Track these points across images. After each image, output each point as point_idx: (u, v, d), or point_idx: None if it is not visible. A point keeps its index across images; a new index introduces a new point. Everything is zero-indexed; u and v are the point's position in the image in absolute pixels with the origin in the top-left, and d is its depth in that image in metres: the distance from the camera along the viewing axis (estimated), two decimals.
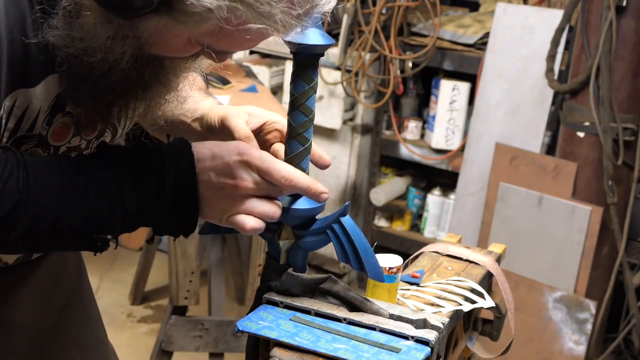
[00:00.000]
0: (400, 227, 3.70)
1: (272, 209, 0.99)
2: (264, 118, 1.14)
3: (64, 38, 0.92)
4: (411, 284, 1.19)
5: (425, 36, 3.43)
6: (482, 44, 3.32)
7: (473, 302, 1.14)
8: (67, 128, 1.06)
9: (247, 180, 0.97)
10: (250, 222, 0.98)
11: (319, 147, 1.10)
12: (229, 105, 1.17)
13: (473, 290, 1.18)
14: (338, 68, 3.48)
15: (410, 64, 3.46)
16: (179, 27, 0.88)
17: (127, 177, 0.95)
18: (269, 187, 0.98)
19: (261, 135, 1.14)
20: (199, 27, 0.87)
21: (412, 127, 3.57)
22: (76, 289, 1.36)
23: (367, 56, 3.45)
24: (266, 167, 0.97)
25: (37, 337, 1.26)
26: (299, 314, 1.02)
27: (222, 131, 1.12)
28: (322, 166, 1.11)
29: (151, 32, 0.90)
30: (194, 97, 1.17)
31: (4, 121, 0.96)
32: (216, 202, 0.98)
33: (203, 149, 0.99)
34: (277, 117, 1.14)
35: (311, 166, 1.08)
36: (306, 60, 0.99)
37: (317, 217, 1.04)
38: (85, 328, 1.38)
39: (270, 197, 0.99)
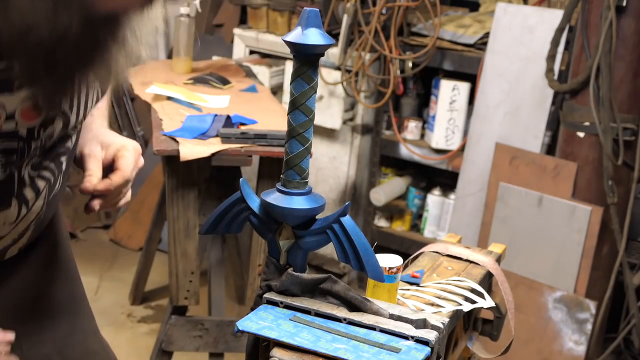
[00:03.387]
0: (400, 227, 3.70)
1: None
2: (117, 145, 1.22)
3: (2, 22, 0.82)
4: (411, 284, 1.19)
5: (425, 36, 3.43)
6: (482, 44, 3.32)
7: (473, 302, 1.14)
8: None
9: None
10: None
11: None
12: (91, 138, 1.24)
13: (473, 290, 1.18)
14: (338, 68, 3.48)
15: (410, 64, 3.46)
16: None
17: None
18: None
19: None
20: None
21: (412, 127, 3.57)
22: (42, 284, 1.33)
23: (367, 56, 3.45)
24: None
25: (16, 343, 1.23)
26: (299, 314, 1.02)
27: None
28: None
29: None
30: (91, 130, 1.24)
31: None
32: None
33: None
34: (127, 142, 1.24)
35: (311, 166, 1.08)
36: (306, 60, 0.99)
37: (317, 217, 1.04)
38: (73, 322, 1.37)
39: None
